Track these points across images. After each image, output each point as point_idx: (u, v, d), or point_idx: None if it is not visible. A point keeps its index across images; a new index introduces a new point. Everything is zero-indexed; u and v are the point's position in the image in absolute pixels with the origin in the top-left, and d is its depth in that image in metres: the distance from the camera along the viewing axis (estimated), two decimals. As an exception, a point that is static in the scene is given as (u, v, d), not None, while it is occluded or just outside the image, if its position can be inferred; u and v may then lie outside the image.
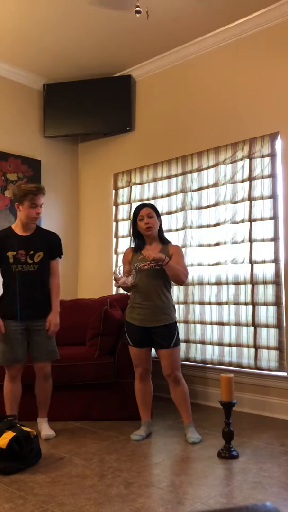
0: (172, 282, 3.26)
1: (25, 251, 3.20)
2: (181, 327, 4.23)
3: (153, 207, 3.29)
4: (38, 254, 3.23)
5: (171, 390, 3.21)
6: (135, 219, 3.30)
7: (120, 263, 4.78)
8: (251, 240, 3.88)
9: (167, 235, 3.53)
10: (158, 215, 3.31)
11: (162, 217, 3.78)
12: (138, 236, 3.34)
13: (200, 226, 4.21)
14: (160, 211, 3.66)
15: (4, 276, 3.25)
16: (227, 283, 4.01)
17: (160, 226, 3.33)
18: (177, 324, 3.25)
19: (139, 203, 3.52)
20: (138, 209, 3.29)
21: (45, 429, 3.25)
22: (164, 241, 3.32)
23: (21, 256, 3.19)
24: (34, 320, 3.21)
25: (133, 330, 3.25)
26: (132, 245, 3.42)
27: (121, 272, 3.19)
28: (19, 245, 3.21)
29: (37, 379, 3.29)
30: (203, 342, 4.14)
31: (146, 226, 3.23)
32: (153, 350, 3.29)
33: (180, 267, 3.18)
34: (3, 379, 3.27)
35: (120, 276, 3.14)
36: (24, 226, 3.26)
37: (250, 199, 3.89)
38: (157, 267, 3.15)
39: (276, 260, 3.74)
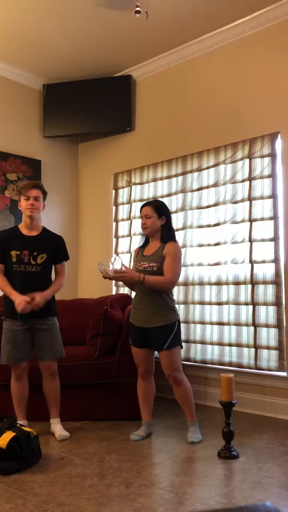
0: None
1: (28, 252, 3.20)
2: (182, 327, 4.21)
3: (155, 206, 3.23)
4: (41, 255, 3.23)
5: (174, 390, 3.21)
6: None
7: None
8: (251, 240, 3.88)
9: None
10: (162, 213, 3.22)
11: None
12: None
13: (200, 226, 4.21)
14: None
15: (7, 275, 3.23)
16: (227, 283, 4.01)
17: (165, 224, 3.23)
18: (177, 325, 3.17)
19: (139, 203, 3.52)
20: (141, 207, 3.29)
21: (59, 430, 3.26)
22: (165, 239, 3.23)
23: (24, 256, 3.19)
24: (37, 320, 3.21)
25: (134, 331, 3.25)
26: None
27: (101, 268, 3.08)
28: (23, 245, 3.21)
29: (44, 378, 3.30)
30: (203, 342, 4.14)
31: (142, 227, 3.26)
32: None
33: (158, 278, 3.08)
34: (10, 378, 3.28)
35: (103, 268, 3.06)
36: (27, 224, 3.27)
37: (250, 199, 3.89)
38: (148, 268, 3.14)
39: (276, 260, 3.74)
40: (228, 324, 3.98)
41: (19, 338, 3.17)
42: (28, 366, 3.26)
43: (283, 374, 3.68)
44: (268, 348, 3.76)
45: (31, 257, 3.21)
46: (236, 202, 3.99)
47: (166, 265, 3.11)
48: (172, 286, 3.14)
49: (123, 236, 4.82)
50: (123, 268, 3.05)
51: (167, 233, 3.24)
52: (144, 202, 3.37)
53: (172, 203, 4.42)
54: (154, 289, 3.11)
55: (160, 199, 4.42)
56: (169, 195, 4.46)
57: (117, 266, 3.04)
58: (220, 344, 4.02)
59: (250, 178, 3.90)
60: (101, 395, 3.64)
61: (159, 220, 3.22)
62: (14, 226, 3.39)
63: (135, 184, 4.74)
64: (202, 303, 4.16)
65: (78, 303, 4.37)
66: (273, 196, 3.78)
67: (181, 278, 4.31)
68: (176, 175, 4.42)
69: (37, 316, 3.20)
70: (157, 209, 3.23)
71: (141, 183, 4.69)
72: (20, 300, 3.08)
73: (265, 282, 3.79)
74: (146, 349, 3.22)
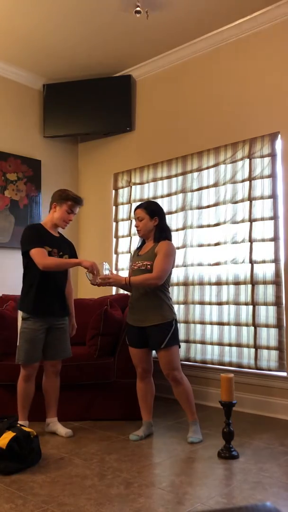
0: (170, 282, 3.26)
1: (57, 251, 3.29)
2: (181, 327, 4.23)
3: (146, 208, 3.24)
4: (65, 256, 3.33)
5: (173, 390, 3.21)
6: None
7: (120, 264, 4.82)
8: (251, 240, 3.88)
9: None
10: (154, 215, 3.22)
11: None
12: None
13: (200, 226, 4.21)
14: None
15: (36, 271, 3.16)
16: (227, 283, 4.01)
17: (159, 224, 3.23)
18: (174, 324, 3.15)
19: (139, 203, 3.51)
20: (134, 210, 3.31)
21: (63, 428, 3.29)
22: (157, 239, 3.22)
23: (54, 255, 3.26)
24: (57, 318, 3.28)
25: (130, 330, 3.27)
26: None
27: (89, 276, 3.14)
28: (53, 243, 3.28)
29: (49, 377, 3.33)
30: (203, 342, 4.14)
31: (136, 229, 3.28)
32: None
33: (144, 276, 3.09)
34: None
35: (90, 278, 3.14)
36: (53, 227, 3.35)
37: (250, 199, 3.89)
38: (142, 267, 3.15)
39: (276, 260, 3.74)
40: (228, 324, 3.98)
41: (38, 337, 3.20)
42: (38, 367, 3.26)
43: (283, 374, 3.68)
44: (268, 348, 3.76)
45: (58, 256, 3.28)
46: (236, 202, 3.99)
47: (156, 261, 3.12)
48: (160, 281, 3.09)
49: (123, 236, 4.82)
50: (109, 274, 3.12)
51: (159, 233, 3.23)
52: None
53: (172, 203, 4.42)
54: (150, 289, 3.12)
55: (160, 199, 4.44)
56: (169, 195, 4.46)
57: (105, 272, 3.12)
58: (220, 344, 4.02)
59: (250, 178, 3.90)
60: (101, 395, 3.64)
61: (151, 221, 3.22)
62: (38, 224, 3.47)
63: (135, 184, 4.74)
64: (202, 303, 4.16)
65: (78, 303, 4.34)
66: (273, 196, 3.78)
67: (181, 278, 4.32)
68: (176, 175, 4.42)
69: (58, 315, 3.28)
70: (148, 210, 3.23)
71: (141, 183, 4.69)
72: (88, 262, 3.12)
73: (265, 282, 3.79)
74: (144, 349, 3.22)
